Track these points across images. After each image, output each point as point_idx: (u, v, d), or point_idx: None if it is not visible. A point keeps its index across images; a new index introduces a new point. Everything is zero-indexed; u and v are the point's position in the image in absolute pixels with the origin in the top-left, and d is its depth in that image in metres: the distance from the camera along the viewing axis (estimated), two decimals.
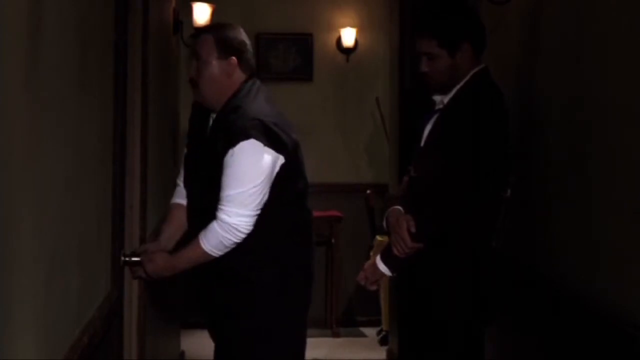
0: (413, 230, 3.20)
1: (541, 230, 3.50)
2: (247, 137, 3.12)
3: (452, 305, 3.25)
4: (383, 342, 6.67)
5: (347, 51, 7.47)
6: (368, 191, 7.06)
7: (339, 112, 7.50)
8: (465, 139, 3.19)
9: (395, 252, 3.26)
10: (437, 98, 3.40)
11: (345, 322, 7.28)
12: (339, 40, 7.50)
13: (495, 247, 3.32)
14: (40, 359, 1.81)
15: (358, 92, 7.48)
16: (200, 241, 3.15)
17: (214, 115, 3.30)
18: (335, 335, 7.08)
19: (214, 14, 6.87)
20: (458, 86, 3.33)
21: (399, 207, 3.32)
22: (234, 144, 3.13)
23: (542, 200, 3.51)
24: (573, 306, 3.13)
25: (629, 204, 2.73)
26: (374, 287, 3.42)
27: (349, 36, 7.44)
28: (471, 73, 3.33)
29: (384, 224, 3.37)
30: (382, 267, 3.31)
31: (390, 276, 3.40)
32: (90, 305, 2.47)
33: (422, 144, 3.37)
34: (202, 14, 6.74)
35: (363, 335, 7.23)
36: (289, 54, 7.49)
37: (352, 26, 7.44)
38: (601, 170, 2.96)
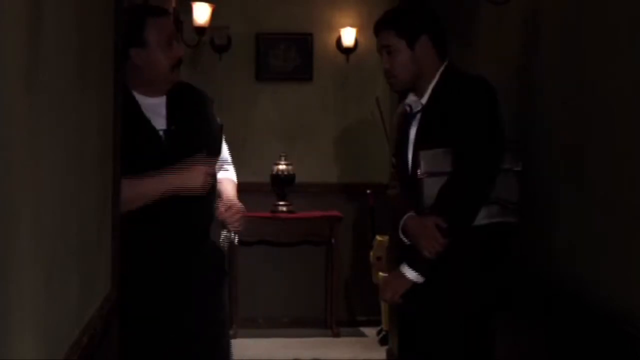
0: (444, 225, 3.15)
1: (541, 230, 3.50)
2: None
3: (461, 293, 3.21)
4: (383, 342, 6.67)
5: (347, 51, 7.47)
6: (368, 191, 7.06)
7: (339, 112, 7.50)
8: (466, 124, 3.21)
9: (427, 254, 3.17)
10: (412, 99, 3.39)
11: (345, 322, 7.28)
12: (339, 40, 7.50)
13: (517, 223, 3.33)
14: (40, 359, 1.80)
15: (358, 92, 7.48)
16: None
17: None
18: (335, 335, 7.07)
19: (214, 14, 6.87)
20: (431, 85, 3.34)
21: (413, 213, 3.29)
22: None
23: (542, 199, 3.51)
24: (573, 306, 3.13)
25: (629, 204, 2.73)
26: (400, 300, 3.28)
27: (349, 36, 7.44)
28: (440, 70, 3.35)
29: (400, 234, 3.30)
30: (412, 274, 3.20)
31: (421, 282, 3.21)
32: (90, 306, 2.47)
33: (413, 145, 3.35)
34: (202, 14, 6.75)
35: (363, 335, 7.23)
36: (289, 54, 7.49)
37: (352, 26, 7.44)
38: (602, 170, 2.96)
